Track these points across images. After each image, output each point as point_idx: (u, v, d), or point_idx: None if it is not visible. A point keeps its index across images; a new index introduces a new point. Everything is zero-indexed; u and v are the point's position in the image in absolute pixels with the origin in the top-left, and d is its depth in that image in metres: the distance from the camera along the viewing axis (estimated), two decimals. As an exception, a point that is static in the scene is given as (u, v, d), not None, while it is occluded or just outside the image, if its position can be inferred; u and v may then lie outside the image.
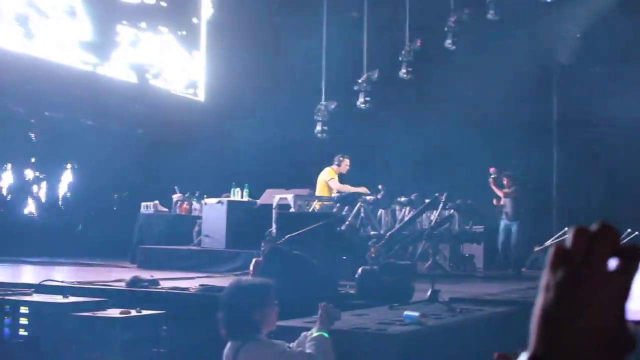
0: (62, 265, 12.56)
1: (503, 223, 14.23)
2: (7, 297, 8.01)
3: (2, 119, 13.57)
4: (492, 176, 14.40)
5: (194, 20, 18.06)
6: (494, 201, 14.48)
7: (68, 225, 14.64)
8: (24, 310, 7.79)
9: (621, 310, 0.94)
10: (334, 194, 13.54)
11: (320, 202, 13.45)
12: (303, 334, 5.14)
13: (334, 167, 14.05)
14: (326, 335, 5.01)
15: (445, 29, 17.51)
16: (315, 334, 5.01)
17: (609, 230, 0.96)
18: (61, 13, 14.78)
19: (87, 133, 14.45)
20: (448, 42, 17.47)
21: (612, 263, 0.94)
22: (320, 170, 14.21)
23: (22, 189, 14.24)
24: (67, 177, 14.05)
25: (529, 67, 16.23)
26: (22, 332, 7.70)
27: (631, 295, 0.94)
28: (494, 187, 14.33)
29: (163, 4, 17.15)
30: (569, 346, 0.94)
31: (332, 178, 13.88)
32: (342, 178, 14.00)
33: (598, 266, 0.94)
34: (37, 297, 8.17)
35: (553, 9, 16.95)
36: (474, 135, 16.11)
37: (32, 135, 14.15)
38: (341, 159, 14.03)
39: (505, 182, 14.31)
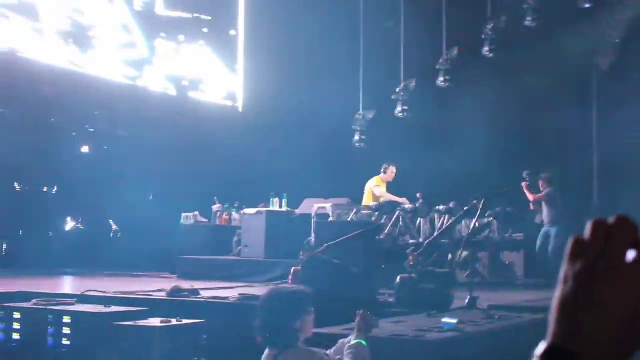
0: (104, 276, 12.70)
1: (543, 229, 13.91)
2: (50, 307, 8.14)
3: (46, 133, 13.75)
4: (526, 180, 14.10)
5: (232, 32, 18.19)
6: (531, 206, 14.21)
7: (110, 237, 14.81)
8: (66, 320, 7.90)
9: (638, 300, 0.96)
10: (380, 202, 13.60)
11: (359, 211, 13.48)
12: (341, 341, 5.17)
13: (381, 175, 14.10)
14: (364, 342, 5.03)
15: (483, 36, 17.45)
16: (353, 342, 5.03)
17: (626, 222, 0.98)
18: (106, 27, 14.97)
19: (126, 145, 14.60)
20: (485, 50, 17.39)
21: (630, 254, 0.96)
22: (359, 179, 14.23)
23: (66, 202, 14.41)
24: (110, 189, 14.19)
25: (568, 72, 16.11)
26: (65, 341, 7.81)
27: None
28: (526, 192, 14.01)
29: (201, 16, 17.30)
30: (586, 336, 0.96)
31: (378, 185, 13.92)
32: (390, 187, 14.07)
33: (616, 258, 0.96)
34: (79, 307, 8.28)
35: (592, 14, 16.84)
36: (514, 141, 16.03)
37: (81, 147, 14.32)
38: (387, 166, 14.07)
39: (540, 185, 14.01)
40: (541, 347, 0.98)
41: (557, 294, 0.99)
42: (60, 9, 14.21)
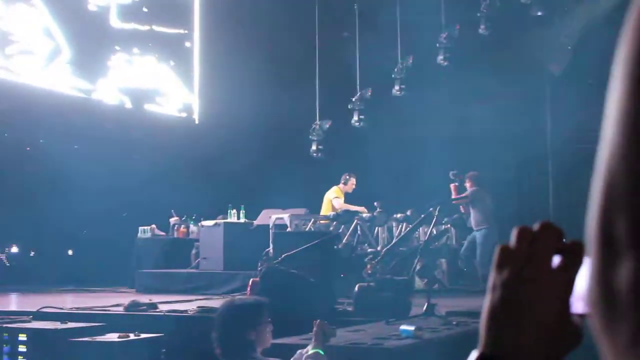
0: (60, 293, 12.58)
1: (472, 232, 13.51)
2: (5, 325, 8.05)
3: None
4: (454, 180, 13.68)
5: (187, 44, 18.16)
6: (461, 209, 13.75)
7: (65, 252, 14.69)
8: (22, 337, 7.83)
9: (566, 305, 0.97)
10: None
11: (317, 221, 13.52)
12: (299, 351, 5.18)
13: (341, 185, 14.14)
14: (321, 352, 5.05)
15: (437, 45, 17.61)
16: (311, 352, 5.05)
17: (550, 228, 0.98)
18: (51, 40, 14.86)
19: (81, 159, 14.49)
20: (440, 58, 17.56)
21: (555, 260, 0.97)
22: (317, 189, 14.27)
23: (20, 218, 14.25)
24: (62, 204, 14.06)
25: (522, 80, 16.29)
26: (21, 359, 7.73)
27: (575, 290, 0.96)
28: (453, 193, 13.54)
29: (156, 28, 17.25)
30: (516, 344, 0.97)
31: (337, 197, 13.95)
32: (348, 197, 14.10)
33: (541, 264, 0.97)
34: (35, 324, 8.21)
35: (544, 23, 17.06)
36: (467, 149, 16.16)
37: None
38: (347, 177, 14.11)
39: (467, 184, 13.57)
40: (472, 357, 0.98)
41: (485, 302, 1.00)
42: None
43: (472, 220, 13.39)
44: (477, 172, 13.57)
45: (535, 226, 0.99)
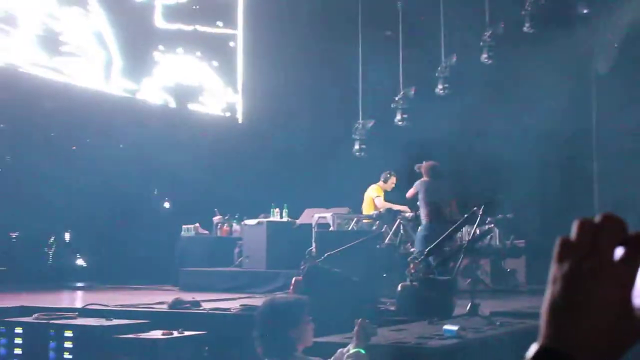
0: (105, 290, 12.71)
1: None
2: (51, 322, 8.15)
3: (43, 147, 13.77)
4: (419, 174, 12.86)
5: (231, 44, 18.25)
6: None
7: (111, 250, 14.82)
8: (68, 334, 7.92)
9: (628, 299, 0.95)
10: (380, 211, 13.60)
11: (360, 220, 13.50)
12: (339, 350, 5.18)
13: (380, 183, 14.08)
14: (363, 351, 5.04)
15: (481, 43, 17.53)
16: (352, 351, 5.04)
17: (613, 220, 0.97)
18: (98, 41, 15.02)
19: (126, 157, 14.63)
20: (484, 57, 17.46)
21: (618, 252, 0.96)
22: (359, 188, 14.25)
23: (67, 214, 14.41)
24: (107, 202, 14.19)
25: (567, 77, 16.13)
26: (66, 355, 7.82)
27: (638, 283, 0.96)
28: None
29: (200, 28, 17.36)
30: (577, 337, 0.95)
31: (379, 196, 13.91)
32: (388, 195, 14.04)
33: (603, 256, 0.96)
34: (80, 321, 8.30)
35: (590, 20, 16.91)
36: (514, 147, 16.04)
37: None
38: (388, 176, 14.04)
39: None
40: (532, 350, 0.98)
41: (546, 295, 0.99)
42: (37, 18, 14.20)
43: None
44: (431, 162, 12.66)
45: (597, 218, 0.98)
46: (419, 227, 12.54)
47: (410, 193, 12.91)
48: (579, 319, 0.95)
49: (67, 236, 14.77)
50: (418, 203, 12.58)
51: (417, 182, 12.57)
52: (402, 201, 13.76)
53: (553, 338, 0.97)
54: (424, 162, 12.67)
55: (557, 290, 0.97)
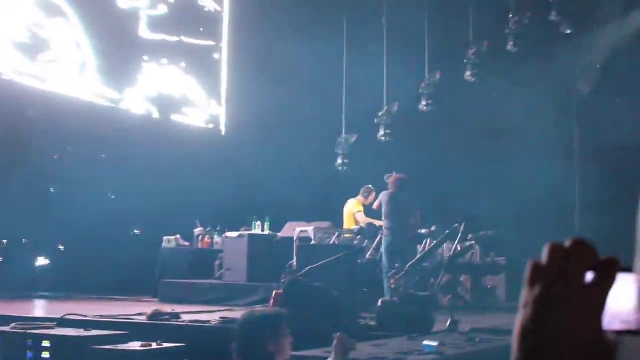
0: (84, 300, 12.66)
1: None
2: (29, 331, 8.11)
3: (25, 154, 13.71)
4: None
5: (216, 56, 18.27)
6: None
7: (90, 260, 14.77)
8: (46, 344, 7.89)
9: (598, 322, 0.95)
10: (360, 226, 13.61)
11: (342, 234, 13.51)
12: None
13: (361, 198, 14.07)
14: (342, 365, 5.05)
15: (465, 61, 17.64)
16: (331, 364, 5.05)
17: (583, 245, 0.96)
18: (81, 50, 15.01)
19: (108, 167, 14.60)
20: (468, 74, 17.57)
21: (589, 277, 0.95)
22: (341, 202, 14.25)
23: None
24: (87, 211, 14.14)
25: (550, 96, 16.25)
26: (44, 365, 7.79)
27: (608, 306, 0.95)
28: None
29: (185, 40, 17.37)
30: None
31: (359, 211, 13.92)
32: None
33: (574, 281, 0.95)
34: (59, 331, 8.27)
35: (573, 41, 17.03)
36: (496, 164, 16.11)
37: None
38: (369, 191, 14.04)
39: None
40: None
41: (518, 319, 0.98)
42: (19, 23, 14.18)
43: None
44: (398, 175, 12.62)
45: (567, 243, 0.97)
46: (383, 239, 12.50)
47: (376, 205, 13.02)
48: (550, 343, 0.95)
49: (44, 244, 14.70)
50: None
51: (382, 194, 12.64)
52: (374, 215, 13.76)
53: None
54: (393, 173, 12.64)
55: (528, 314, 0.97)
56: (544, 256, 0.98)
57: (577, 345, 0.94)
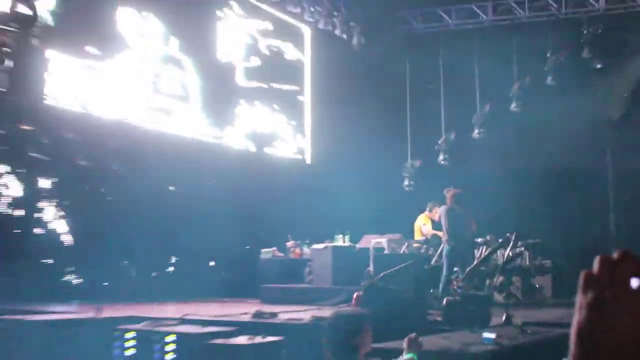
0: (200, 302, 12.83)
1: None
2: (157, 329, 8.33)
3: (146, 186, 13.98)
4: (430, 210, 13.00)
5: (300, 98, 18.46)
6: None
7: (205, 270, 15.04)
8: (170, 339, 8.09)
9: None
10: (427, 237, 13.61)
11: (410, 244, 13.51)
12: (398, 360, 5.20)
13: (427, 213, 14.04)
14: (415, 357, 5.09)
15: (511, 94, 17.53)
16: (406, 357, 5.09)
17: (628, 256, 0.96)
18: (190, 95, 15.32)
19: (215, 193, 14.84)
20: (513, 106, 17.45)
21: (634, 283, 0.95)
22: (409, 217, 14.26)
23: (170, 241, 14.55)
24: (202, 232, 14.36)
25: (585, 124, 16.02)
26: (168, 357, 7.98)
27: None
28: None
29: (274, 85, 17.61)
30: (601, 358, 0.95)
31: (425, 224, 13.88)
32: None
33: (621, 287, 0.95)
34: (181, 328, 8.45)
35: (604, 74, 16.77)
36: (539, 184, 15.94)
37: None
38: (432, 207, 14.00)
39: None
40: None
41: (574, 320, 0.98)
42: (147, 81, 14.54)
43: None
44: (454, 190, 12.42)
45: (615, 254, 0.97)
46: (443, 247, 12.39)
47: (437, 217, 12.98)
48: (603, 342, 0.94)
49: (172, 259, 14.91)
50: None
51: (441, 208, 12.49)
52: (438, 227, 13.73)
53: (581, 358, 0.96)
54: (452, 187, 12.58)
55: (582, 317, 0.96)
56: (595, 266, 0.97)
57: (627, 344, 0.94)
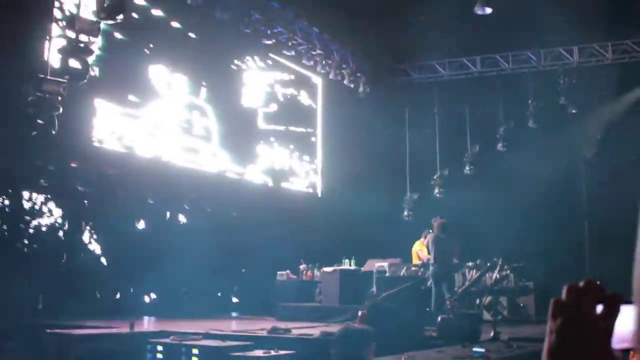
0: (222, 319, 12.73)
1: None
2: (183, 342, 8.21)
3: (179, 215, 13.99)
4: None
5: (313, 139, 18.47)
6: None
7: (229, 291, 14.92)
8: (195, 351, 7.97)
9: (609, 344, 0.93)
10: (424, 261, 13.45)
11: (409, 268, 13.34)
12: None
13: (422, 240, 13.90)
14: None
15: (497, 135, 17.58)
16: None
17: (592, 285, 0.96)
18: (215, 138, 15.34)
19: (237, 222, 14.78)
20: (500, 146, 17.47)
21: (598, 309, 0.94)
22: (407, 243, 14.12)
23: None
24: (226, 257, 14.22)
25: (562, 161, 15.98)
26: (194, 368, 7.86)
27: (616, 331, 0.94)
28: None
29: (290, 128, 17.62)
30: None
31: (421, 249, 13.73)
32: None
33: (587, 312, 0.94)
34: (204, 342, 8.34)
35: (578, 118, 16.78)
36: (523, 214, 15.79)
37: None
38: (427, 234, 13.85)
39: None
40: None
41: (545, 344, 0.97)
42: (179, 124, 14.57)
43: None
44: (440, 220, 12.13)
45: (581, 283, 0.96)
46: (430, 269, 12.08)
47: (425, 244, 12.82)
48: None
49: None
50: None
51: (429, 235, 12.27)
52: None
53: None
54: (438, 217, 12.39)
55: (552, 340, 0.96)
56: (563, 294, 0.96)
57: None
